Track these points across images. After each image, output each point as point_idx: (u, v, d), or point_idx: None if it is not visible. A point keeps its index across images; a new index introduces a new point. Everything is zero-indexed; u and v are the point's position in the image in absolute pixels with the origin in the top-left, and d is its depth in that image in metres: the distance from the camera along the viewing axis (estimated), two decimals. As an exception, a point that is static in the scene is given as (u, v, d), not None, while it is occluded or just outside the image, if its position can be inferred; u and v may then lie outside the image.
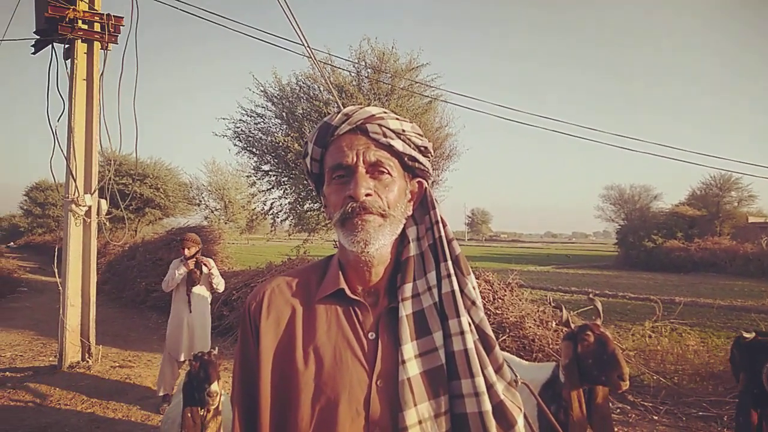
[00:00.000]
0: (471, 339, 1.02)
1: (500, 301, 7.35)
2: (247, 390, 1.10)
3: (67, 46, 6.89)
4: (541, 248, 61.60)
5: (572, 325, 2.66)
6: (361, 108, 1.09)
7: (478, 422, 0.98)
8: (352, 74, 11.38)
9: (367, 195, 1.04)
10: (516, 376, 2.27)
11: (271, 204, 13.12)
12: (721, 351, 6.09)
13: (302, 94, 11.62)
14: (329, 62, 10.87)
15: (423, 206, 1.15)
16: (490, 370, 1.02)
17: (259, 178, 12.73)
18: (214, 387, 2.89)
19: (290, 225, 13.32)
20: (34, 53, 7.19)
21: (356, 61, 11.18)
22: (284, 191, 12.67)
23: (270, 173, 12.60)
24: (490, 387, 1.00)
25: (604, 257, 37.18)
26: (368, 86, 11.18)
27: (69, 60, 6.86)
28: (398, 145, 1.08)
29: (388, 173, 1.07)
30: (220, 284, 5.52)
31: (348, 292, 1.08)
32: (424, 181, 1.17)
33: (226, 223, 21.83)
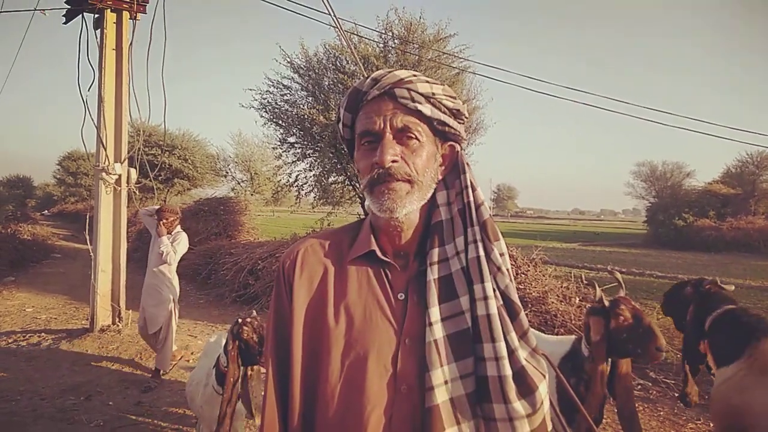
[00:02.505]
0: (494, 304, 1.03)
1: (523, 276, 7.33)
2: (281, 344, 1.13)
3: (97, 15, 6.94)
4: (568, 225, 60.80)
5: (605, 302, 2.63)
6: (390, 72, 1.09)
7: (497, 385, 0.99)
8: (380, 45, 11.25)
9: (394, 161, 1.04)
10: (538, 347, 2.28)
11: (297, 176, 13.18)
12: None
13: (329, 65, 11.53)
14: (356, 32, 10.76)
15: (455, 171, 1.14)
16: (513, 335, 1.02)
17: (285, 151, 12.77)
18: None
19: (315, 198, 13.39)
20: (65, 23, 7.28)
21: (383, 31, 11.04)
22: (310, 164, 12.70)
23: (296, 145, 12.62)
24: (512, 352, 1.01)
25: (633, 235, 36.52)
26: (395, 57, 11.04)
27: (99, 30, 6.92)
28: (426, 109, 1.07)
29: (416, 138, 1.07)
30: (168, 255, 5.43)
31: (379, 253, 1.11)
32: (456, 145, 1.15)
33: (252, 194, 22.02)
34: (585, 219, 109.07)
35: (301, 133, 12.04)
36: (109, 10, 6.83)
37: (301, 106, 11.84)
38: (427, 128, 1.09)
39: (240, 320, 3.07)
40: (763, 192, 30.45)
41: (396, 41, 11.18)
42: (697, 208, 28.24)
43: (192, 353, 6.11)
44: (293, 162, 12.95)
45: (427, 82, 1.09)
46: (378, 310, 1.07)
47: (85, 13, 6.89)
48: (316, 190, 12.99)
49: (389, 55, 11.15)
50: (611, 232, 43.47)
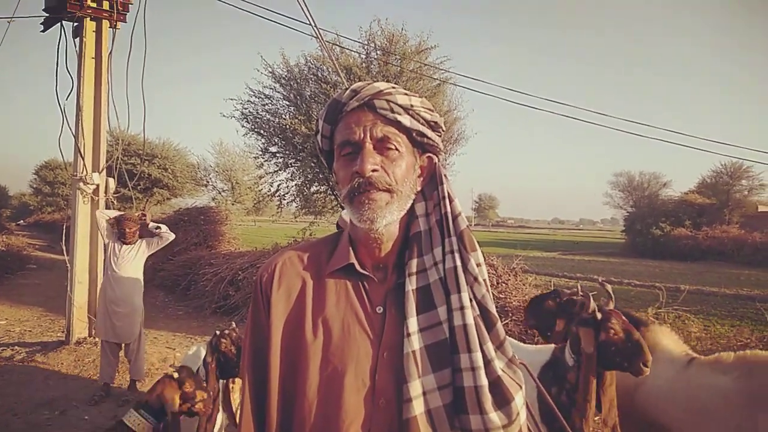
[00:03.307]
0: (471, 314, 1.03)
1: (504, 285, 7.38)
2: (257, 359, 1.12)
3: (76, 24, 6.86)
4: (548, 234, 61.42)
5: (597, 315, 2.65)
6: (369, 84, 1.10)
7: (473, 396, 1.00)
8: (362, 56, 11.31)
9: (374, 171, 1.05)
10: (515, 356, 2.29)
11: (278, 186, 13.13)
12: (724, 338, 6.11)
13: (310, 76, 11.55)
14: (338, 43, 10.80)
15: (432, 182, 1.15)
16: (490, 345, 1.03)
17: (267, 160, 12.72)
18: None
19: (297, 207, 13.35)
20: (43, 31, 7.19)
21: (366, 42, 11.10)
22: (291, 174, 12.66)
23: (277, 155, 12.58)
24: (488, 363, 1.01)
25: (612, 244, 37.01)
26: (377, 68, 11.10)
27: (78, 38, 6.84)
28: (406, 120, 1.08)
29: (396, 149, 1.08)
30: (157, 242, 5.44)
31: (357, 266, 1.10)
32: (434, 157, 1.16)
33: (233, 204, 21.87)
34: (564, 228, 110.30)
35: (283, 142, 12.02)
36: (88, 18, 6.77)
37: (283, 116, 11.82)
38: (406, 139, 1.10)
39: (218, 332, 3.04)
40: (736, 202, 31.18)
41: (378, 52, 11.26)
42: (673, 217, 28.75)
43: (170, 366, 6.02)
44: (275, 171, 12.91)
45: (406, 94, 1.10)
46: (356, 323, 1.07)
47: (63, 21, 6.81)
48: (298, 199, 12.96)
49: (371, 66, 11.21)
50: (590, 242, 44.00)
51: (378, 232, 1.07)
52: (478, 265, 1.07)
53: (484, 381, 1.00)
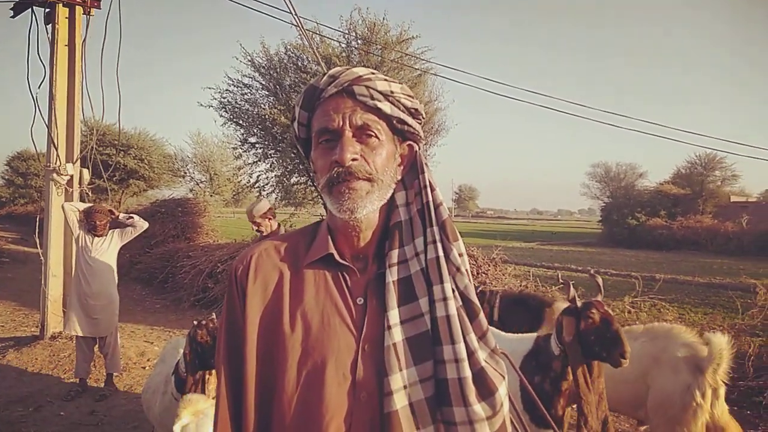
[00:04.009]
0: (454, 305, 1.01)
1: (484, 275, 7.45)
2: (233, 354, 1.09)
3: (47, 10, 6.67)
4: (527, 225, 62.04)
5: (578, 302, 2.68)
6: (347, 69, 1.06)
7: (457, 388, 0.98)
8: (342, 45, 11.21)
9: (354, 160, 1.02)
10: (496, 346, 2.29)
11: (258, 177, 12.99)
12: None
13: (290, 65, 11.42)
14: (318, 32, 10.69)
15: (413, 171, 1.12)
16: (473, 336, 1.01)
17: (246, 151, 12.56)
18: None
19: (277, 199, 13.24)
20: (13, 16, 6.97)
21: (347, 31, 11.00)
22: (271, 164, 12.53)
23: (257, 146, 12.43)
24: (471, 354, 1.00)
25: (589, 234, 37.57)
26: (357, 58, 11.01)
27: (50, 25, 6.66)
28: (386, 107, 1.05)
29: (376, 137, 1.05)
30: (131, 231, 5.36)
31: (337, 257, 1.07)
32: (414, 145, 1.13)
33: (211, 195, 21.64)
34: (543, 219, 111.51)
35: (262, 133, 11.88)
36: (61, 4, 6.58)
37: (262, 105, 11.68)
38: (386, 127, 1.07)
39: (196, 322, 3.01)
40: (710, 192, 31.87)
41: (359, 42, 11.17)
42: (649, 207, 29.31)
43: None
44: (254, 162, 12.76)
45: (385, 80, 1.07)
46: (336, 315, 1.04)
47: (35, 7, 6.61)
48: (277, 191, 12.84)
49: (352, 56, 11.12)
50: (568, 232, 44.63)
51: (358, 221, 1.05)
52: (460, 255, 1.06)
53: (467, 372, 0.99)
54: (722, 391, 3.09)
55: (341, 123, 1.03)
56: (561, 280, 2.80)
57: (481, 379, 1.00)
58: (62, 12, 6.63)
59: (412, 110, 1.11)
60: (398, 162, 1.11)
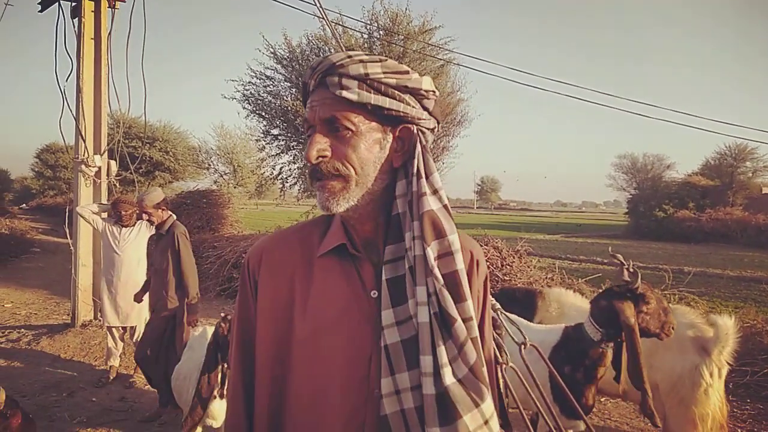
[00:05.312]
0: (426, 312, 0.94)
1: (508, 267, 7.37)
2: (246, 348, 1.08)
3: (74, 4, 6.78)
4: (551, 217, 61.39)
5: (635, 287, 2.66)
6: (324, 59, 0.99)
7: (430, 405, 0.92)
8: (364, 36, 11.17)
9: (322, 157, 0.97)
10: (525, 338, 2.26)
11: (281, 169, 13.08)
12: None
13: (312, 56, 11.43)
14: (341, 23, 10.66)
15: (412, 156, 1.03)
16: (443, 350, 0.93)
17: (269, 143, 12.66)
18: None
19: (299, 190, 13.30)
20: (41, 11, 7.10)
21: (369, 22, 10.96)
22: (293, 156, 12.60)
23: (279, 138, 12.51)
24: (438, 369, 0.92)
25: (614, 226, 36.98)
26: (380, 49, 10.97)
27: (76, 18, 6.76)
28: (353, 95, 0.96)
29: (347, 128, 0.97)
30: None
31: (349, 247, 1.03)
32: (411, 127, 1.02)
33: (235, 187, 21.83)
34: (567, 211, 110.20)
35: (285, 124, 11.95)
36: (86, -2, 6.66)
37: (285, 97, 11.73)
38: (363, 115, 0.98)
39: (222, 315, 3.05)
40: (740, 184, 31.06)
41: (381, 32, 11.12)
42: (677, 199, 28.69)
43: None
44: (277, 154, 12.86)
45: (361, 61, 0.97)
46: (349, 308, 1.00)
47: (61, 1, 6.71)
48: (300, 182, 12.91)
49: (374, 46, 11.08)
50: (593, 224, 43.99)
51: (346, 214, 1.01)
52: (445, 254, 0.97)
53: (430, 389, 0.92)
54: (724, 371, 3.18)
55: (313, 117, 1.00)
56: (615, 261, 2.76)
57: (443, 401, 0.92)
58: (88, 6, 6.72)
59: (400, 88, 0.99)
60: (390, 148, 1.02)
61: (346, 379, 0.98)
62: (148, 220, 4.57)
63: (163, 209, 4.52)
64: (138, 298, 4.75)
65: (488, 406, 0.94)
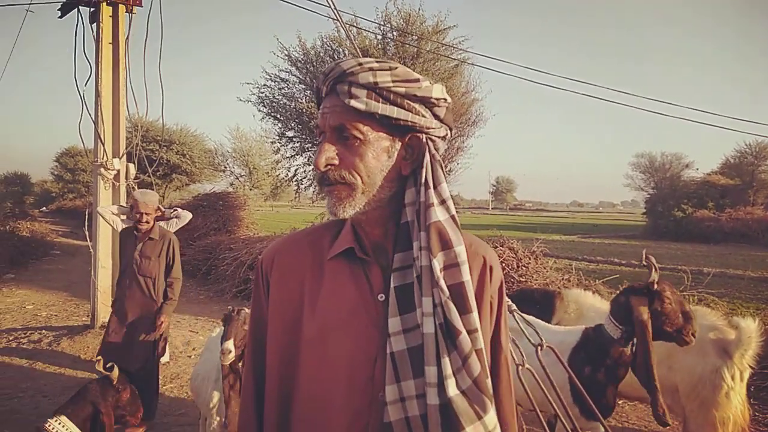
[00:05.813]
0: (431, 323, 0.94)
1: (524, 268, 7.33)
2: (258, 346, 1.11)
3: (92, 9, 6.87)
4: (567, 217, 60.86)
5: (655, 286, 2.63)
6: (336, 65, 1.00)
7: (434, 416, 0.93)
8: (378, 37, 11.18)
9: (330, 165, 0.99)
10: (542, 340, 2.25)
11: (296, 171, 13.14)
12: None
13: (326, 58, 11.47)
14: (355, 24, 10.69)
15: (420, 165, 1.03)
16: (447, 361, 0.93)
17: (284, 145, 12.72)
18: (227, 344, 2.86)
19: (314, 192, 13.35)
20: (60, 17, 7.21)
21: (382, 23, 10.96)
22: (308, 158, 12.65)
23: (294, 140, 12.57)
24: (442, 380, 0.93)
25: (632, 227, 36.52)
26: (394, 49, 10.98)
27: (95, 24, 6.86)
28: (361, 104, 0.96)
29: (356, 137, 0.98)
30: (175, 222, 5.21)
31: (358, 251, 1.04)
32: (420, 136, 1.02)
33: (251, 189, 22.02)
34: (584, 211, 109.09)
35: (300, 127, 11.99)
36: (104, 3, 6.76)
37: (300, 99, 11.79)
38: (371, 124, 0.99)
39: (230, 307, 3.09)
40: (761, 182, 30.49)
41: (394, 33, 11.12)
42: (695, 199, 28.21)
43: (193, 349, 6.09)
44: (292, 156, 12.91)
45: (372, 69, 0.97)
46: (357, 311, 1.01)
47: (80, 7, 6.82)
48: (315, 184, 12.94)
49: (388, 47, 11.09)
50: (610, 224, 43.49)
51: (354, 219, 1.03)
52: (451, 265, 0.97)
53: (434, 400, 0.93)
54: (746, 374, 3.13)
55: (324, 124, 1.01)
56: (644, 259, 2.73)
57: (446, 412, 0.92)
58: (106, 11, 6.81)
59: (410, 96, 0.99)
60: (398, 157, 1.02)
61: (350, 380, 0.99)
62: (144, 222, 4.40)
63: (159, 214, 4.60)
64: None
65: (491, 418, 0.94)
